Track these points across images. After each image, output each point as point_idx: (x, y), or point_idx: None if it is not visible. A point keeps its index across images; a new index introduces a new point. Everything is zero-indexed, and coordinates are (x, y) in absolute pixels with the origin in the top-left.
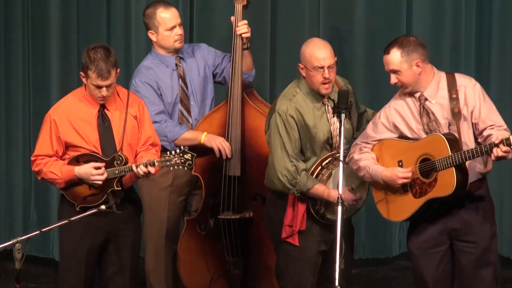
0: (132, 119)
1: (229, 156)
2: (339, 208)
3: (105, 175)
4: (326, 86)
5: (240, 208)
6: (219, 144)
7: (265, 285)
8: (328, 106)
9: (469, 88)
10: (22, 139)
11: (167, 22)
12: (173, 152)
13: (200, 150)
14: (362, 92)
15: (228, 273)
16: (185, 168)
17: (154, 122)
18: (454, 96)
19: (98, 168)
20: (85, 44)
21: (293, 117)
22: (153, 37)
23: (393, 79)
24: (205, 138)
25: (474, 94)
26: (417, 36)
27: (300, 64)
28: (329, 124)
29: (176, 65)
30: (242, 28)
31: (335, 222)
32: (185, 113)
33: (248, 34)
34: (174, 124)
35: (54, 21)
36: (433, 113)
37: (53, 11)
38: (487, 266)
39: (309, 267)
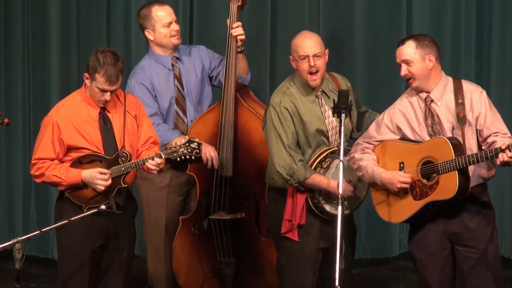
0: (132, 119)
1: (216, 167)
2: (339, 208)
3: (109, 182)
4: (314, 77)
5: (232, 209)
6: (208, 153)
7: (257, 286)
8: (321, 99)
9: (476, 94)
10: (22, 139)
11: (163, 18)
12: (178, 143)
13: None
14: (362, 92)
15: (221, 273)
16: (193, 157)
17: None
18: (460, 101)
19: (103, 174)
20: (85, 45)
21: (287, 109)
22: (150, 36)
23: (404, 70)
24: None
25: (480, 101)
26: None
27: (290, 57)
28: (323, 117)
29: (173, 65)
30: (237, 30)
31: (335, 217)
32: (180, 113)
33: (243, 37)
34: (167, 129)
35: (54, 21)
36: (437, 116)
37: (53, 11)
38: (488, 271)
39: (309, 265)
